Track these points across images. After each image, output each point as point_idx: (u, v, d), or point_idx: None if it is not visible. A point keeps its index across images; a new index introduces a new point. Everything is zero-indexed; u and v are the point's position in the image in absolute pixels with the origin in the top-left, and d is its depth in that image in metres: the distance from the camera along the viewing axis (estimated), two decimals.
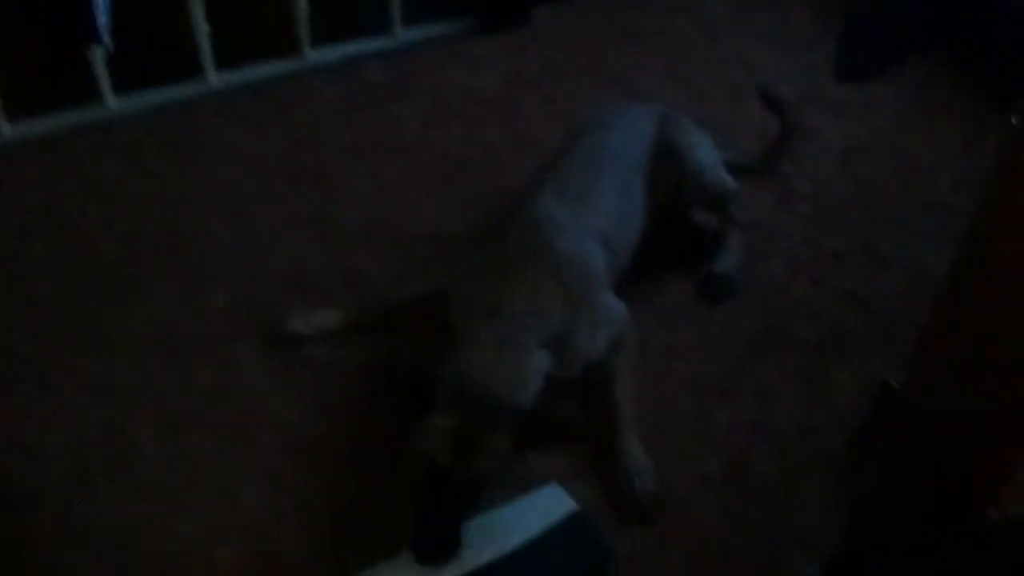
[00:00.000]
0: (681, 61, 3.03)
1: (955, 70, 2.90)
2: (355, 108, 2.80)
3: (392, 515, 1.80)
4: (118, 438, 1.96)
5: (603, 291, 2.02)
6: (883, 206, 2.53)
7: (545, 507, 1.72)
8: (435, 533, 1.63)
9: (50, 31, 2.59)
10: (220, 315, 2.21)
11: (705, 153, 2.32)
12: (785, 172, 2.57)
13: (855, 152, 2.68)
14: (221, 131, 2.70)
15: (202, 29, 2.72)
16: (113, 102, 2.70)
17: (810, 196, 2.53)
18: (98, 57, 2.62)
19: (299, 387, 2.06)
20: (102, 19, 2.48)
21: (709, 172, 2.30)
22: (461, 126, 2.75)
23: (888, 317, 2.24)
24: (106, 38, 2.52)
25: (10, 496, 1.82)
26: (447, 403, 1.70)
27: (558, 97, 2.86)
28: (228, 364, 2.10)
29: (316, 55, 2.91)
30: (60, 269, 2.30)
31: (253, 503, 1.86)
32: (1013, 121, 1.14)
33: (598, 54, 3.05)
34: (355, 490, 1.88)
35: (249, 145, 2.67)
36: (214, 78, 2.80)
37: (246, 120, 2.74)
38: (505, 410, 1.70)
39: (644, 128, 2.28)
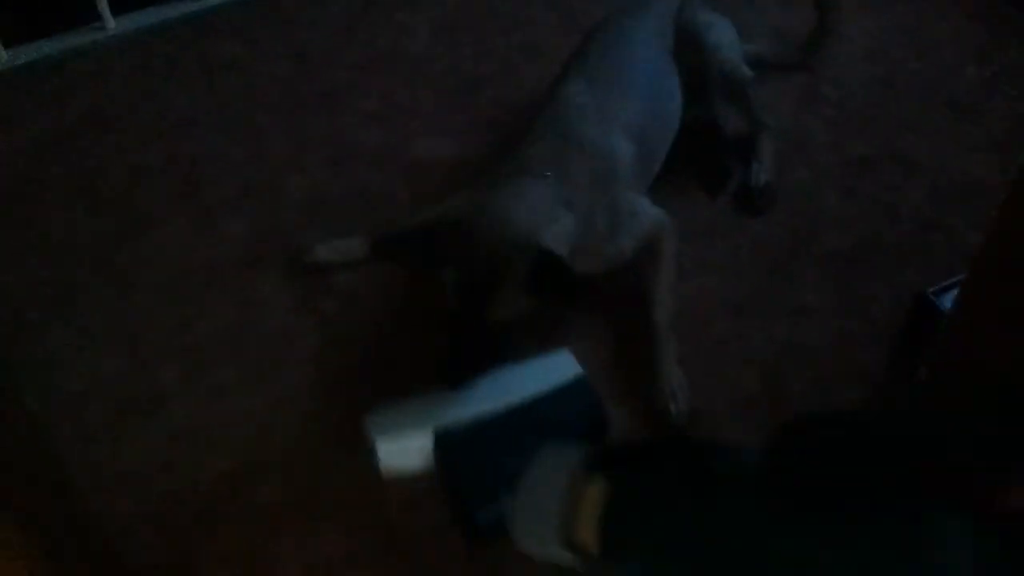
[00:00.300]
0: None
1: None
2: (360, 21, 2.71)
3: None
4: (145, 378, 1.93)
5: (630, 191, 1.95)
6: (908, 107, 2.47)
7: (554, 369, 1.70)
8: (460, 368, 1.65)
9: None
10: (237, 244, 2.16)
11: (722, 33, 2.24)
12: (808, 73, 2.50)
13: (878, 51, 2.61)
14: (224, 50, 2.62)
15: None
16: (112, 23, 2.61)
17: (834, 99, 2.47)
18: None
19: (324, 316, 2.02)
20: None
21: (726, 52, 2.22)
22: (471, 38, 2.66)
23: (918, 224, 2.20)
24: None
25: (43, 442, 1.80)
26: (459, 252, 1.69)
27: (570, 3, 2.77)
28: (249, 295, 2.06)
29: None
30: (72, 204, 2.25)
31: (287, 437, 1.84)
32: None
33: None
34: None
35: (254, 64, 2.59)
36: None
37: (249, 37, 2.66)
38: (518, 252, 1.67)
39: (667, 10, 2.21)
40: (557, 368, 1.71)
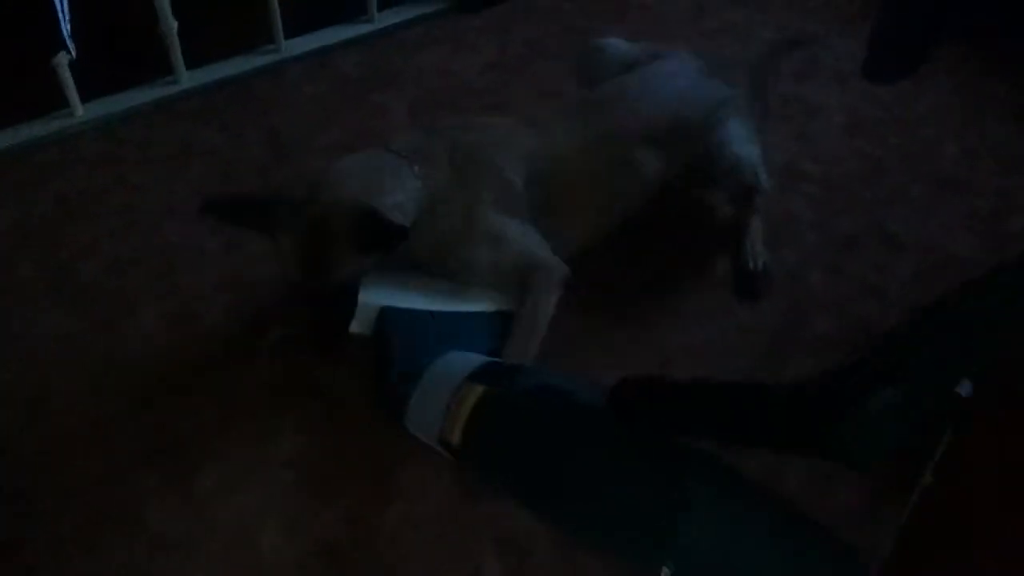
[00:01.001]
0: (670, 35, 2.93)
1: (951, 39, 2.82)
2: (336, 102, 2.68)
3: (424, 543, 1.74)
4: (122, 484, 1.86)
5: (506, 214, 1.96)
6: (891, 183, 2.46)
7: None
8: (323, 337, 1.91)
9: (14, 41, 2.45)
10: (217, 340, 2.10)
11: (747, 143, 2.24)
12: (792, 152, 2.49)
13: (859, 126, 2.60)
14: (197, 135, 2.57)
15: (170, 24, 2.57)
16: (81, 110, 2.57)
17: (816, 175, 2.46)
18: (63, 64, 2.48)
19: (308, 415, 1.97)
20: (66, 26, 2.34)
21: (748, 164, 2.22)
22: (447, 116, 2.63)
23: (905, 306, 2.17)
24: (70, 44, 2.38)
25: (16, 556, 1.72)
26: (293, 215, 1.80)
27: (547, 80, 2.75)
28: (230, 394, 2.00)
29: (291, 46, 2.78)
30: (42, 300, 2.18)
31: (273, 546, 1.77)
32: None
33: (586, 31, 2.93)
34: (381, 523, 1.80)
35: (228, 149, 2.54)
36: (185, 77, 2.66)
37: (222, 122, 2.61)
38: (346, 211, 1.77)
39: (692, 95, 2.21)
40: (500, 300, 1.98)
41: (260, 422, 1.96)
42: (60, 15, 2.34)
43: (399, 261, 1.92)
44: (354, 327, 1.91)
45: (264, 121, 2.61)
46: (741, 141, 2.18)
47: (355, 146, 2.48)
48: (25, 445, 1.92)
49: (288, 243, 1.80)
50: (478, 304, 1.98)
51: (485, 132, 2.01)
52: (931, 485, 1.43)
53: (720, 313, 2.14)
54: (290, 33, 2.77)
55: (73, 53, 2.45)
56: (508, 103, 2.65)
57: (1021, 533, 1.30)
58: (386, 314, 1.91)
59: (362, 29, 2.86)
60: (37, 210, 2.39)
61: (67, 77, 2.50)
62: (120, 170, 2.48)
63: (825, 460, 1.41)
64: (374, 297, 1.92)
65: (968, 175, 2.46)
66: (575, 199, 2.04)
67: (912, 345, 1.37)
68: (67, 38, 2.39)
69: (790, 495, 1.85)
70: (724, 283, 2.21)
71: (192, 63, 2.66)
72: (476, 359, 1.56)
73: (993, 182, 2.44)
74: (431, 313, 1.94)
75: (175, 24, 2.57)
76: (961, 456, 1.42)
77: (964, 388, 1.34)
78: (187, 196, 2.40)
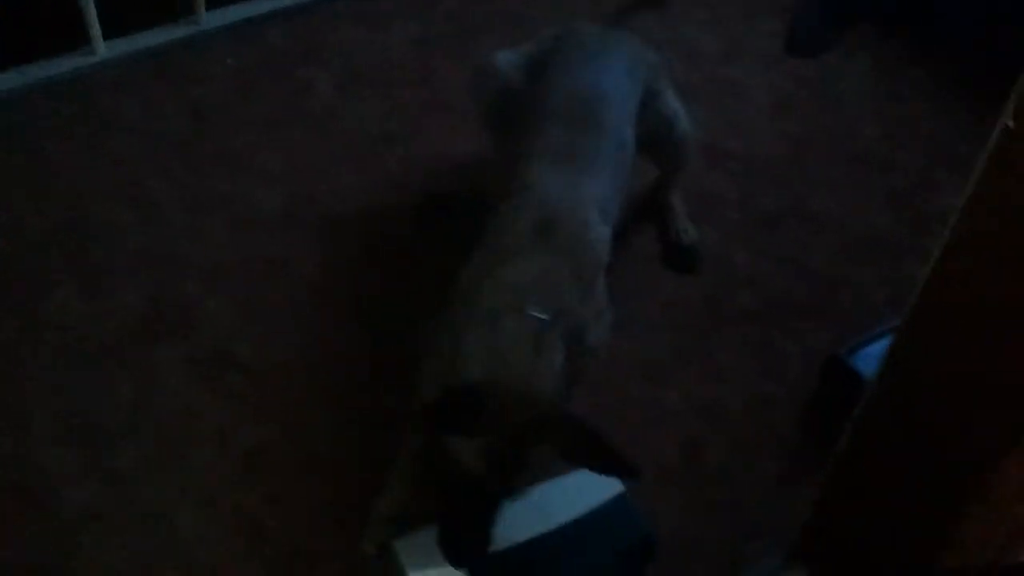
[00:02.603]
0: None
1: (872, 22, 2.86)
2: (260, 76, 2.62)
3: (344, 524, 1.73)
4: (35, 465, 1.82)
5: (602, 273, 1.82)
6: (813, 162, 2.49)
7: (592, 486, 1.64)
8: (465, 538, 1.54)
9: None
10: (134, 316, 2.06)
11: (685, 119, 2.16)
12: (716, 131, 2.50)
13: (782, 105, 2.63)
14: (116, 108, 2.50)
15: None
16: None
17: (740, 154, 2.48)
18: None
19: (230, 391, 1.94)
20: None
21: (690, 139, 2.18)
22: (376, 93, 2.60)
23: (827, 282, 2.21)
24: None
25: None
26: (485, 415, 1.48)
27: (473, 54, 2.73)
28: (147, 370, 1.97)
29: (213, 18, 2.71)
30: None
31: (190, 526, 1.75)
32: (1009, 125, 1.08)
33: (511, 3, 2.91)
34: (302, 502, 1.78)
35: (148, 122, 2.48)
36: (103, 48, 2.58)
37: (142, 94, 2.54)
38: (549, 418, 1.51)
39: (633, 67, 2.05)
40: (596, 483, 1.61)
41: (179, 398, 1.93)
42: None
43: None
44: None
45: (186, 95, 2.56)
46: (681, 114, 2.14)
47: (281, 122, 2.48)
48: None
49: (474, 443, 1.50)
50: (577, 500, 1.67)
51: (568, 187, 1.81)
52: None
53: (644, 289, 2.16)
54: (213, 4, 2.71)
55: None
56: (435, 78, 2.63)
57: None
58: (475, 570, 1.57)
59: (287, 1, 2.80)
60: None
61: None
62: (36, 143, 2.41)
63: None
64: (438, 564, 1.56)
65: (888, 154, 2.50)
66: (614, 207, 1.92)
67: None
68: None
69: (710, 470, 1.89)
70: (647, 259, 2.22)
71: (110, 33, 2.59)
72: None
73: (912, 161, 2.48)
74: (527, 545, 1.61)
75: None
76: None
77: None
78: (106, 172, 2.35)
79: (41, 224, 2.22)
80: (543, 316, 1.60)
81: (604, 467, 1.51)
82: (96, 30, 2.55)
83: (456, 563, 1.52)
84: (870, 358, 1.86)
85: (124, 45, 2.63)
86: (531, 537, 1.58)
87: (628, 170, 1.97)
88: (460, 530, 1.53)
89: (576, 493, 1.63)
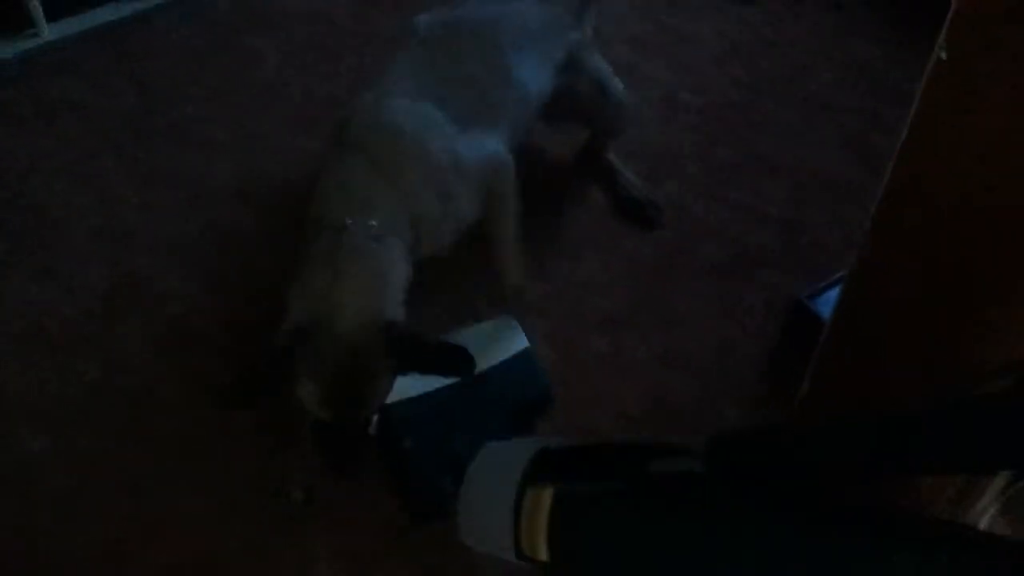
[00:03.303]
0: None
1: None
2: (205, 48, 2.59)
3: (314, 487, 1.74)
4: (6, 447, 1.80)
5: (443, 134, 1.78)
6: (766, 109, 2.50)
7: (499, 339, 1.77)
8: (342, 459, 1.61)
9: None
10: (95, 296, 2.04)
11: (607, 69, 2.18)
12: (669, 83, 2.50)
13: (732, 53, 2.63)
14: (62, 89, 2.46)
15: None
16: None
17: (694, 105, 2.48)
18: None
19: (192, 368, 1.92)
20: None
21: (620, 96, 2.18)
22: (321, 58, 2.57)
23: (785, 227, 2.22)
24: None
25: None
26: (312, 361, 1.54)
27: (410, 10, 2.70)
28: (112, 351, 1.95)
29: None
30: None
31: (161, 501, 1.74)
32: (941, 56, 1.09)
33: None
34: (268, 473, 1.78)
35: (95, 102, 2.44)
36: (47, 30, 2.54)
37: (88, 74, 2.50)
38: (376, 344, 1.55)
39: (543, 23, 2.06)
40: (503, 338, 1.76)
41: (139, 376, 1.92)
42: None
43: None
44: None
45: (133, 71, 2.52)
46: (611, 77, 2.16)
47: (230, 92, 2.45)
48: None
49: (312, 388, 1.55)
50: (484, 354, 1.74)
51: (377, 93, 1.83)
52: None
53: (605, 244, 2.16)
54: None
55: None
56: (377, 41, 2.60)
57: None
58: (389, 411, 1.68)
59: None
60: None
61: None
62: None
63: None
64: None
65: (838, 97, 2.52)
66: (476, 107, 1.89)
67: None
68: None
69: (675, 417, 1.90)
70: (607, 214, 2.22)
71: (53, 15, 2.54)
72: (521, 449, 1.21)
73: (862, 103, 2.49)
74: (435, 392, 1.71)
75: None
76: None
77: None
78: (55, 152, 2.31)
79: None
80: (366, 226, 1.62)
81: (442, 370, 1.61)
82: (39, 12, 2.50)
83: (340, 476, 1.61)
84: (831, 303, 1.88)
85: (69, 26, 2.58)
86: (436, 387, 1.68)
87: (509, 95, 1.94)
88: (336, 454, 1.60)
89: (483, 345, 1.72)
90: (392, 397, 1.63)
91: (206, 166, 2.29)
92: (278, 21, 2.67)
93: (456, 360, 1.57)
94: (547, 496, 1.13)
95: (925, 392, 1.31)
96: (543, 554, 1.13)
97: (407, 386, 1.64)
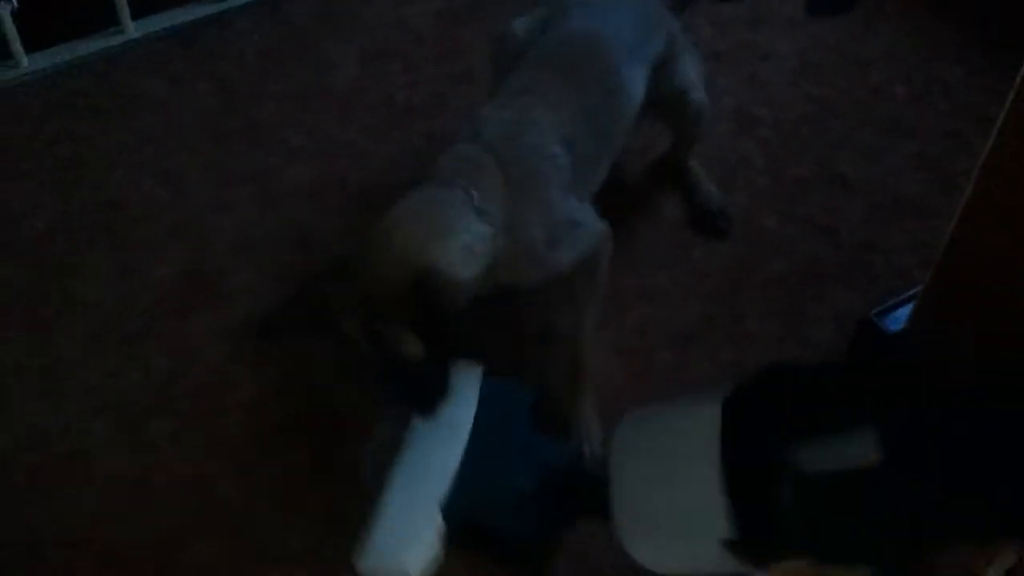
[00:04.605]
0: None
1: None
2: (285, 53, 2.63)
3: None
4: (72, 433, 1.85)
5: (564, 193, 1.76)
6: (841, 126, 2.46)
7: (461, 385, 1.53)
8: (419, 394, 1.48)
9: None
10: (165, 289, 2.08)
11: (697, 72, 2.13)
12: (744, 97, 2.49)
13: (809, 69, 2.60)
14: (144, 87, 2.53)
15: None
16: (26, 61, 2.51)
17: (768, 120, 2.46)
18: (6, 15, 2.43)
19: (260, 363, 1.95)
20: None
21: (699, 93, 2.12)
22: (400, 66, 2.60)
23: (857, 246, 2.19)
24: None
25: None
26: (348, 289, 1.50)
27: (495, 26, 2.71)
28: (184, 345, 1.98)
29: None
30: None
31: (224, 492, 1.77)
32: None
33: None
34: (332, 475, 1.80)
35: (175, 101, 2.50)
36: (131, 28, 2.60)
37: (169, 73, 2.57)
38: (401, 275, 1.47)
39: (646, 21, 2.00)
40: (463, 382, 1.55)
41: (212, 371, 1.95)
42: None
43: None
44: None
45: (213, 72, 2.57)
46: (696, 83, 2.12)
47: (307, 99, 2.49)
48: None
49: (350, 326, 1.52)
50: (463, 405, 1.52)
51: (516, 114, 1.77)
52: None
53: (672, 256, 2.15)
54: None
55: (15, 3, 2.40)
56: (457, 50, 2.63)
57: None
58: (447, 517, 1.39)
59: None
60: None
61: (11, 28, 2.45)
62: (66, 122, 2.44)
63: None
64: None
65: (917, 117, 2.47)
66: (595, 147, 1.87)
67: None
68: None
69: None
70: (676, 226, 2.21)
71: (138, 13, 2.61)
72: (696, 408, 0.97)
73: (941, 124, 2.45)
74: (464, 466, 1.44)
75: None
76: None
77: None
78: (135, 148, 2.37)
79: (73, 202, 2.25)
80: (453, 184, 1.61)
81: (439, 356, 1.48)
82: (125, 10, 2.57)
83: (426, 413, 1.44)
84: (901, 321, 1.85)
85: (152, 24, 2.65)
86: (458, 459, 1.42)
87: (621, 120, 1.92)
88: (410, 391, 1.48)
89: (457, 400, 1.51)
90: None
91: (282, 167, 2.32)
92: (358, 28, 2.70)
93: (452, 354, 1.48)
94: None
95: None
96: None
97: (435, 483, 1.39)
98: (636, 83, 1.94)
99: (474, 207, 1.60)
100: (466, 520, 1.36)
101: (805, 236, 2.20)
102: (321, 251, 2.13)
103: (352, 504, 1.69)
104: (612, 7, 1.99)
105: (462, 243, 1.56)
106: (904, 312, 1.87)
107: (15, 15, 2.44)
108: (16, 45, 2.48)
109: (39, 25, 2.52)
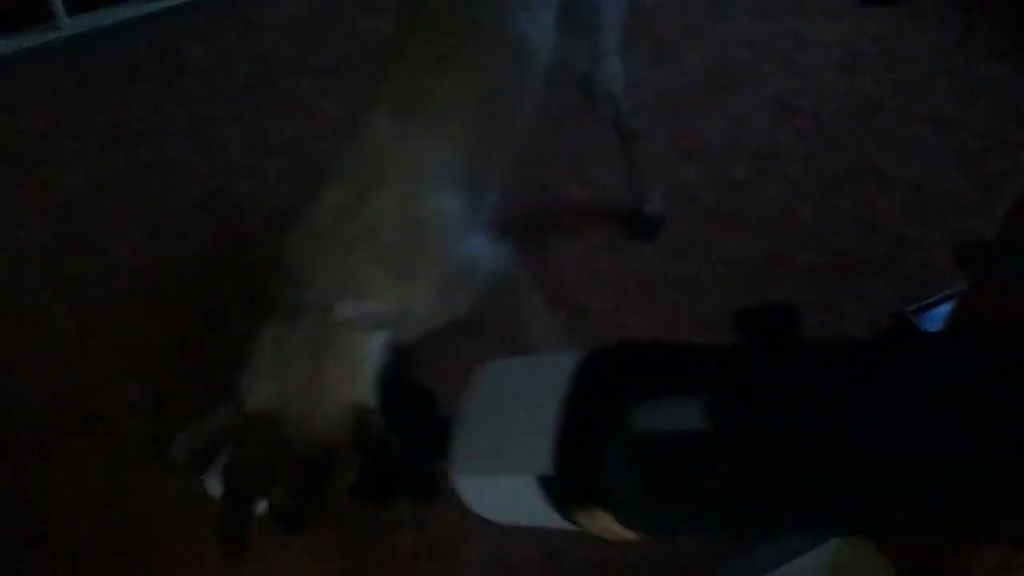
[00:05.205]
0: None
1: None
2: (321, 25, 2.63)
3: None
4: (103, 396, 1.86)
5: (459, 237, 1.53)
6: (883, 120, 2.43)
7: None
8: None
9: None
10: (198, 256, 2.09)
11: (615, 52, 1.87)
12: (783, 86, 2.46)
13: (852, 62, 2.57)
14: (182, 52, 2.53)
15: None
16: (67, 22, 2.52)
17: (808, 110, 2.43)
18: None
19: None
20: None
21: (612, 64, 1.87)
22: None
23: (894, 241, 2.17)
24: None
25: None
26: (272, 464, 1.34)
27: None
28: (216, 310, 1.99)
29: None
30: (23, 214, 2.16)
31: None
32: None
33: None
34: None
35: (213, 67, 2.50)
36: None
37: (207, 39, 2.57)
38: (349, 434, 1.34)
39: None
40: None
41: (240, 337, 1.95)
42: None
43: None
44: None
45: (249, 41, 2.57)
46: (612, 41, 1.86)
47: (344, 70, 2.48)
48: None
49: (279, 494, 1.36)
50: None
51: (401, 185, 1.48)
52: None
53: (704, 245, 2.13)
54: None
55: None
56: None
57: None
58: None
59: None
60: (20, 125, 2.36)
61: None
62: (104, 85, 2.45)
63: None
64: None
65: (959, 114, 2.44)
66: (494, 146, 1.60)
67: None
68: None
69: None
70: (705, 214, 2.20)
71: None
72: (551, 366, 0.89)
73: (983, 121, 2.42)
74: None
75: None
76: None
77: None
78: (174, 114, 2.38)
79: (112, 163, 2.26)
80: (348, 315, 1.41)
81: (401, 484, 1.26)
82: None
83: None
84: (937, 320, 1.83)
85: None
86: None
87: (525, 92, 1.63)
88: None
89: None
90: None
91: (317, 138, 2.32)
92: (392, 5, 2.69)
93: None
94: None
95: None
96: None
97: None
98: (544, 23, 1.66)
99: (370, 335, 1.41)
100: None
101: (840, 228, 2.18)
102: None
103: None
104: None
105: (372, 375, 1.40)
106: (941, 311, 1.85)
107: None
108: (58, 7, 2.48)
109: None
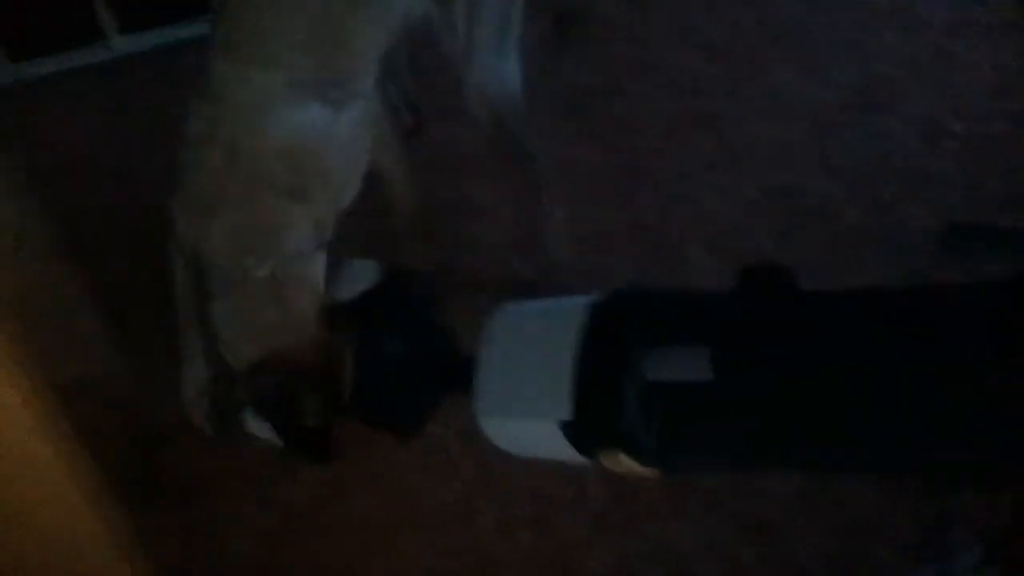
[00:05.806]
0: None
1: None
2: None
3: None
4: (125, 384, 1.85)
5: (329, 141, 1.59)
6: None
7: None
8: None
9: None
10: None
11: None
12: (935, 107, 2.38)
13: (1008, 86, 2.47)
14: None
15: None
16: (119, 42, 2.59)
17: (961, 134, 2.34)
18: None
19: None
20: None
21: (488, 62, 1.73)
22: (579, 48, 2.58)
23: None
24: None
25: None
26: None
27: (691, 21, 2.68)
28: None
29: None
30: (114, 230, 2.22)
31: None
32: None
33: None
34: None
35: None
36: None
37: None
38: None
39: None
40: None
41: None
42: None
43: None
44: None
45: None
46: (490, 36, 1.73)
47: None
48: None
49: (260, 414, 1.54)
50: None
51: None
52: None
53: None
54: None
55: None
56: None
57: None
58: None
59: None
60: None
61: (104, 9, 2.55)
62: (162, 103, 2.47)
63: None
64: None
65: None
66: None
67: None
68: None
69: None
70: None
71: None
72: (563, 310, 0.93)
73: None
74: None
75: None
76: None
77: None
78: None
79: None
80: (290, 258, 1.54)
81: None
82: None
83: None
84: None
85: None
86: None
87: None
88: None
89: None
90: None
91: None
92: None
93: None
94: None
95: None
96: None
97: None
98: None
99: (307, 263, 1.58)
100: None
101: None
102: None
103: None
104: None
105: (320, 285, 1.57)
106: None
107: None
108: (110, 25, 2.56)
109: (132, 7, 2.59)
